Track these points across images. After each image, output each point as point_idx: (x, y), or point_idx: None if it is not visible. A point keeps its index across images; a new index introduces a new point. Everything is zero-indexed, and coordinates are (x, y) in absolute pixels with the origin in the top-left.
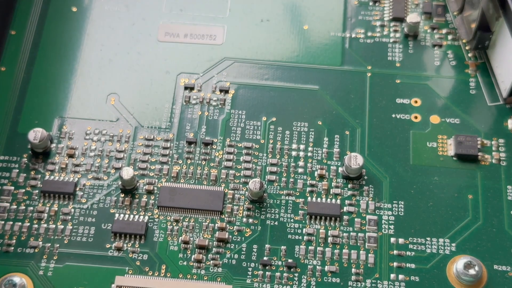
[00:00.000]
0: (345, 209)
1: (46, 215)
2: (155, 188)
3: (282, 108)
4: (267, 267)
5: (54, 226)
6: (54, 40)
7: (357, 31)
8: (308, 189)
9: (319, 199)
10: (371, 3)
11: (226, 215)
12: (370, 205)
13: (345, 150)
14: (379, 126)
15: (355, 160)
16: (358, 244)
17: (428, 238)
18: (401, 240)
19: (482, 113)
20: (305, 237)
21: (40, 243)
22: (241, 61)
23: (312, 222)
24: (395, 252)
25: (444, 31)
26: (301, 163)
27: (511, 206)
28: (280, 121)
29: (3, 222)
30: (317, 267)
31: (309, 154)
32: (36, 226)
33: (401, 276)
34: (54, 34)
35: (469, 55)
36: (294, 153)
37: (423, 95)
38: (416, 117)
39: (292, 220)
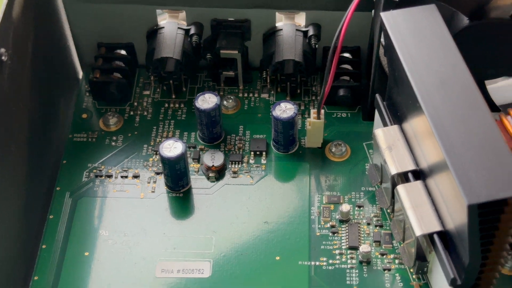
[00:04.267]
0: None
1: None
2: None
3: None
4: None
5: None
6: (72, 282)
7: (320, 259)
8: None
9: None
10: (330, 234)
11: None
12: None
13: None
14: None
15: None
16: None
17: None
18: None
19: None
20: None
21: None
22: None
23: None
24: None
25: (391, 256)
26: None
27: None
28: None
29: None
30: None
31: None
32: None
33: None
34: (72, 277)
35: (414, 276)
36: None
37: None
38: None
39: None
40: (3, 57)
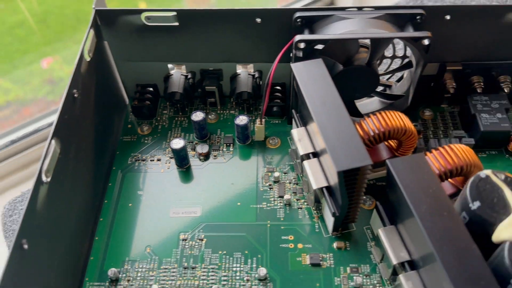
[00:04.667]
0: None
1: None
2: None
3: (230, 243)
4: None
5: None
6: (123, 221)
7: (262, 203)
8: None
9: None
10: (268, 189)
11: None
12: None
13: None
14: (277, 252)
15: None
16: None
17: None
18: None
19: (322, 241)
20: None
21: None
22: (210, 224)
23: None
24: None
25: (302, 201)
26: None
27: None
28: (228, 253)
29: None
30: None
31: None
32: None
33: None
34: (122, 218)
35: (314, 212)
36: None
37: (295, 234)
38: (291, 245)
39: None
40: (75, 95)
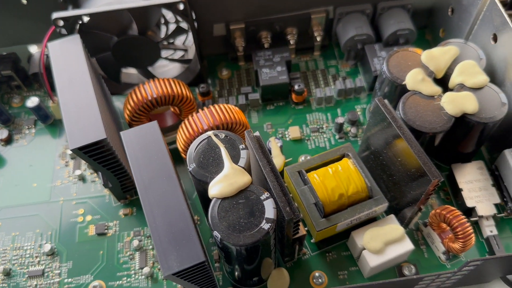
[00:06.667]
0: None
1: None
2: None
3: (24, 224)
4: None
5: None
6: None
7: (57, 182)
8: None
9: None
10: (64, 166)
11: None
12: None
13: None
14: (67, 227)
15: None
16: None
17: None
18: None
19: (110, 210)
20: None
21: None
22: (6, 208)
23: None
24: None
25: (95, 175)
26: None
27: None
28: (21, 234)
29: None
30: None
31: None
32: None
33: None
34: None
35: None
36: None
37: (86, 207)
38: (80, 218)
39: None
40: None
